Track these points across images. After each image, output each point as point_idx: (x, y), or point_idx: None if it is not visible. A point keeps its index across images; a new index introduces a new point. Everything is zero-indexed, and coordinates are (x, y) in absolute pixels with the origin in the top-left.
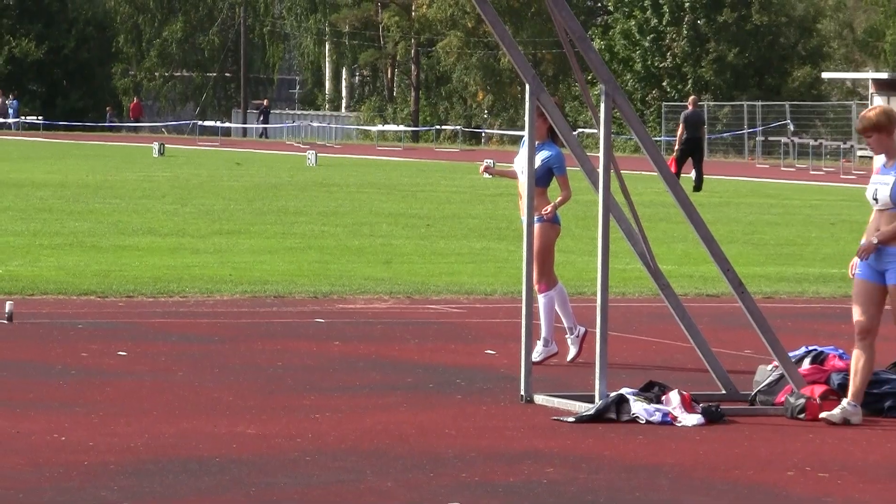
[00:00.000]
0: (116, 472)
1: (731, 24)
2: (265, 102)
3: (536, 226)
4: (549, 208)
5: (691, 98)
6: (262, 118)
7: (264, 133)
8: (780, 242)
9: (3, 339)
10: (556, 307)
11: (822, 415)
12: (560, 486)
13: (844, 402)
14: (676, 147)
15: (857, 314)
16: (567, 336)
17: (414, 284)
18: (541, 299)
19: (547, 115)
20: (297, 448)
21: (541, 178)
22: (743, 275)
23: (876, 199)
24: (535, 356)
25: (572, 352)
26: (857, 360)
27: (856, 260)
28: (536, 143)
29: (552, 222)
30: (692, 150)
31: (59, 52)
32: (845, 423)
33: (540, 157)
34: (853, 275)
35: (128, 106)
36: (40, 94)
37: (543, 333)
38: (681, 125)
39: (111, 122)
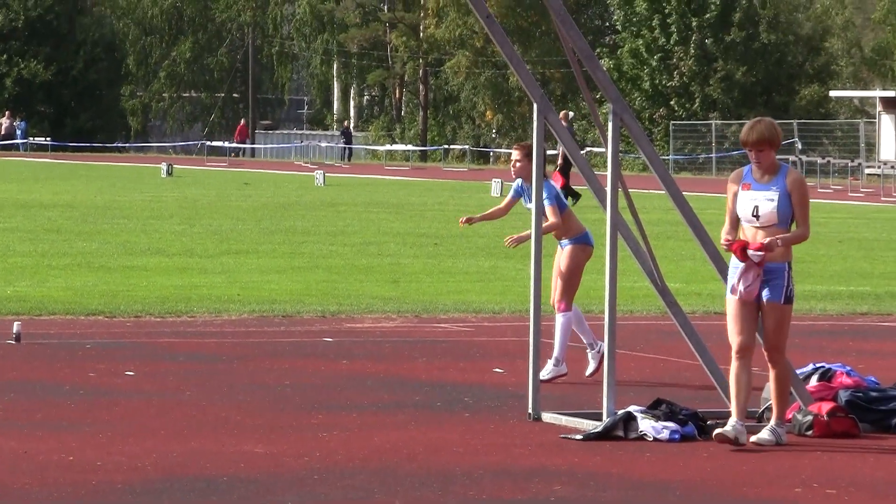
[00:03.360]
0: (124, 491)
1: (738, 42)
2: (345, 123)
3: (568, 247)
4: (517, 237)
5: (563, 113)
6: (344, 139)
7: (348, 155)
8: None
9: (12, 360)
10: (573, 327)
11: (716, 432)
12: None
13: (734, 420)
14: (560, 161)
15: (736, 333)
16: (588, 351)
17: (422, 303)
18: (559, 318)
19: (555, 133)
20: (306, 467)
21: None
22: None
23: (756, 217)
24: (545, 374)
25: (591, 367)
26: (738, 378)
27: (739, 272)
28: (527, 183)
29: (584, 244)
30: (569, 164)
31: (67, 74)
32: (736, 441)
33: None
34: (736, 291)
35: (136, 127)
36: (49, 115)
37: (556, 353)
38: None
39: (121, 143)
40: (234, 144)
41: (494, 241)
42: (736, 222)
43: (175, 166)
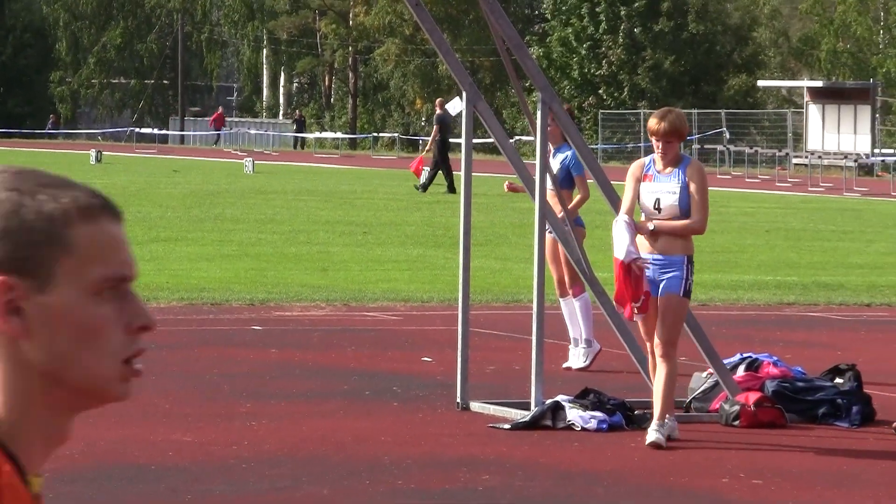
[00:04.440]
0: (52, 479)
1: (667, 32)
2: (298, 113)
3: None
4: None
5: (440, 100)
6: (297, 128)
7: (301, 144)
8: (715, 250)
9: None
10: (566, 318)
11: (650, 440)
12: (496, 493)
13: (665, 420)
14: (429, 148)
15: (647, 333)
16: (571, 347)
17: (351, 292)
18: (576, 303)
19: (484, 122)
20: (234, 455)
21: (563, 181)
22: None
23: (658, 209)
24: (583, 362)
25: (572, 362)
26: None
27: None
28: (553, 147)
29: (578, 225)
30: (447, 150)
31: None
32: (669, 439)
33: (559, 161)
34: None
35: (65, 114)
36: None
37: (584, 335)
38: (437, 126)
39: (52, 129)
40: (212, 131)
41: (423, 230)
42: (634, 209)
43: (104, 153)
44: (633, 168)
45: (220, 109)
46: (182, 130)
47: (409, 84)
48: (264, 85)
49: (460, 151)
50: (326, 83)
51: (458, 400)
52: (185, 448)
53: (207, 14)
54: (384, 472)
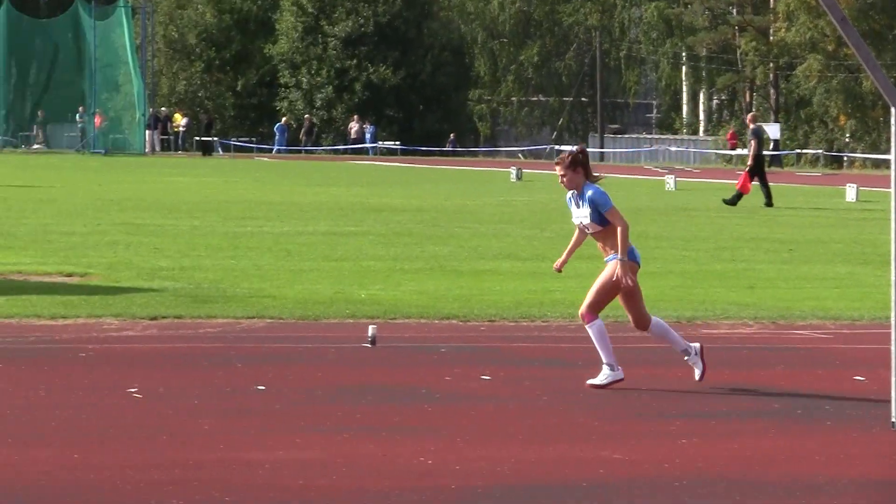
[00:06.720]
0: (483, 495)
1: None
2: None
3: (611, 262)
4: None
5: (752, 115)
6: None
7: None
8: None
9: (368, 363)
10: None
11: None
12: None
13: None
14: (751, 162)
15: None
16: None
17: (778, 310)
18: (589, 330)
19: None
20: (666, 473)
21: (598, 221)
22: None
23: None
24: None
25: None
26: None
27: None
28: (575, 191)
29: (632, 261)
30: (762, 164)
31: (415, 78)
32: None
33: (586, 204)
34: None
35: (484, 132)
36: (397, 119)
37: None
38: (754, 140)
39: (453, 147)
40: (727, 151)
41: (850, 247)
42: None
43: (524, 170)
44: None
45: (732, 130)
46: (601, 148)
47: (833, 100)
48: (683, 101)
49: (889, 168)
50: (747, 99)
51: (893, 419)
52: (616, 465)
53: (625, 31)
54: (819, 492)
